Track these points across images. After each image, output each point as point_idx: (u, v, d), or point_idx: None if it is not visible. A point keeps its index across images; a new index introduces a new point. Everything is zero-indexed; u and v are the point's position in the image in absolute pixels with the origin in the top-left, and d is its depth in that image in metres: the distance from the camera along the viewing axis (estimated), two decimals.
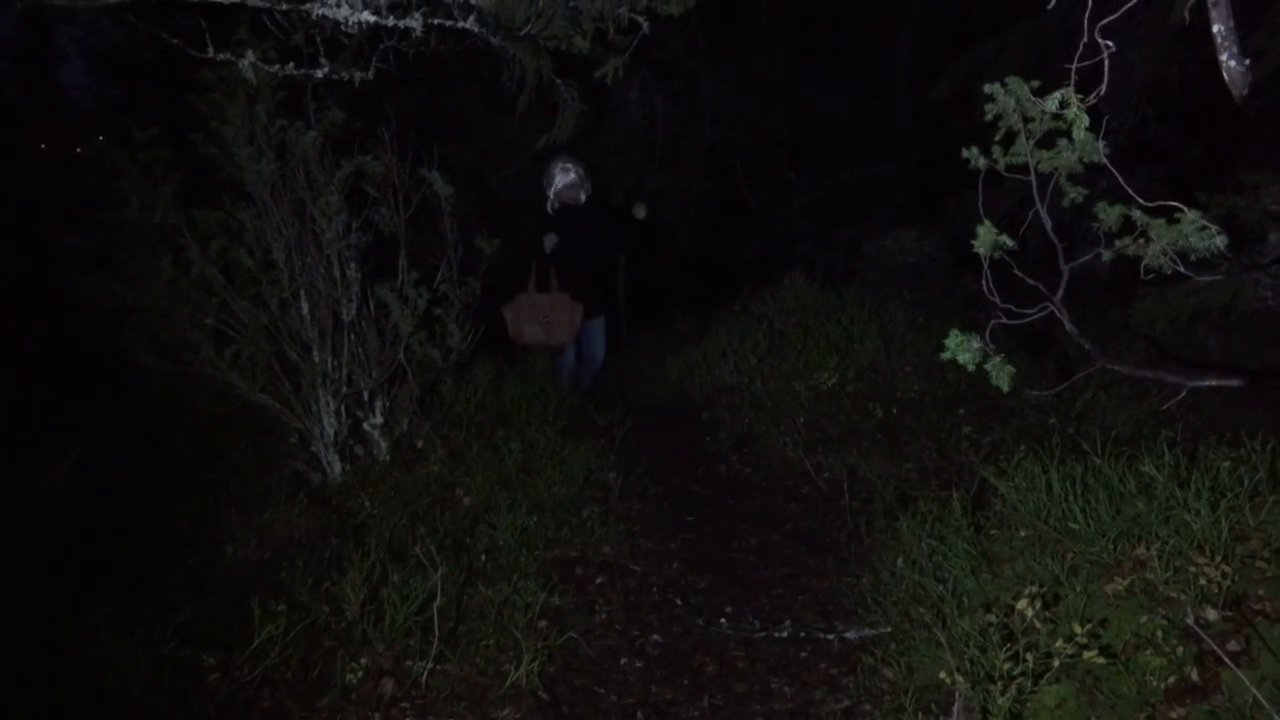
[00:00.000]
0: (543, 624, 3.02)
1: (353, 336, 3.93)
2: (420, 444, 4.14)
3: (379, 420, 4.05)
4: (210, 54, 2.65)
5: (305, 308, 3.82)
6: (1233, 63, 1.54)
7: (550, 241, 5.75)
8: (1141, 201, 1.88)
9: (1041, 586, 2.56)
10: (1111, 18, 1.60)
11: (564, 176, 5.75)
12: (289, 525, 3.45)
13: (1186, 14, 1.73)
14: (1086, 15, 1.58)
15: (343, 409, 3.96)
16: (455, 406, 4.41)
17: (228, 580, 3.17)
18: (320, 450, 3.94)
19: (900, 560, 3.14)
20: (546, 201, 5.82)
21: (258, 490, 3.68)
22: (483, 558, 3.42)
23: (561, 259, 5.76)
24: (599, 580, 3.46)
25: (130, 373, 3.76)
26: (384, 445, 4.06)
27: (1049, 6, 1.73)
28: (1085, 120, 1.82)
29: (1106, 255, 2.25)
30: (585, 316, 5.81)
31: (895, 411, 4.60)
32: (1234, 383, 2.03)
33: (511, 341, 5.73)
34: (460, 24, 2.98)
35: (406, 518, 3.63)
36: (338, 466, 3.95)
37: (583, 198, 5.82)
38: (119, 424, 3.77)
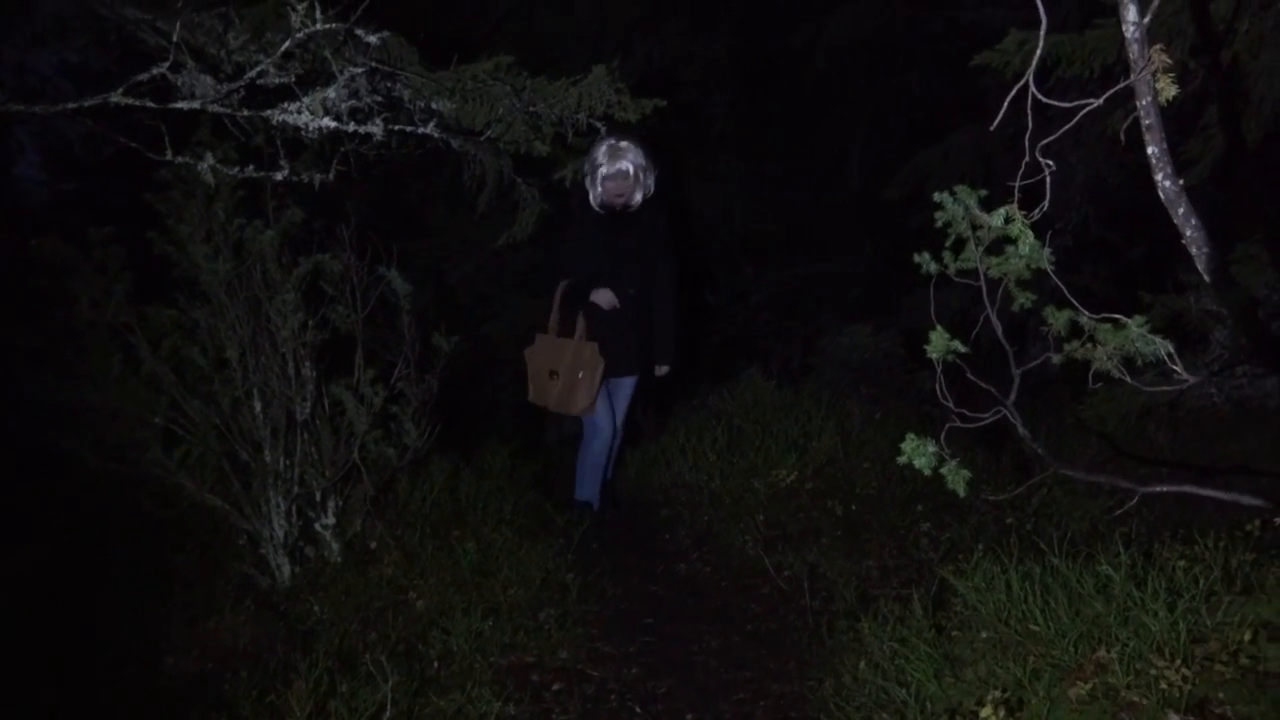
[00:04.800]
0: None
1: (306, 435, 3.87)
2: (373, 545, 4.05)
3: (331, 521, 3.97)
4: (169, 157, 2.66)
5: (258, 406, 3.77)
6: (1168, 183, 1.60)
7: (574, 267, 4.29)
8: (1085, 312, 1.93)
9: (1005, 691, 2.53)
10: (1050, 138, 1.67)
11: (612, 162, 4.02)
12: (234, 634, 3.33)
13: (1123, 135, 1.81)
14: (1028, 136, 1.65)
15: (294, 509, 3.88)
16: (410, 506, 4.34)
17: (167, 693, 3.04)
18: (269, 552, 3.83)
19: (862, 663, 3.09)
20: (589, 195, 4.23)
21: (202, 596, 3.56)
22: (435, 665, 3.32)
23: (599, 284, 4.29)
24: (556, 687, 3.36)
25: (72, 474, 3.66)
26: (336, 547, 3.96)
27: (990, 128, 1.80)
28: (1030, 236, 1.87)
29: (1057, 359, 2.29)
30: (608, 371, 4.34)
31: (854, 508, 4.60)
32: (1185, 489, 2.06)
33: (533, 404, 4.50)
34: (421, 130, 3.02)
35: (357, 623, 3.52)
36: (287, 569, 3.84)
37: (638, 198, 4.16)
38: (57, 528, 3.65)
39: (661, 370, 4.59)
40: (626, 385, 4.62)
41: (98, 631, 3.29)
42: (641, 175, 4.09)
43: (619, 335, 4.31)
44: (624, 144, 3.99)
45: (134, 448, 3.60)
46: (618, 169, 4.02)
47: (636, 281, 4.30)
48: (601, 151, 4.02)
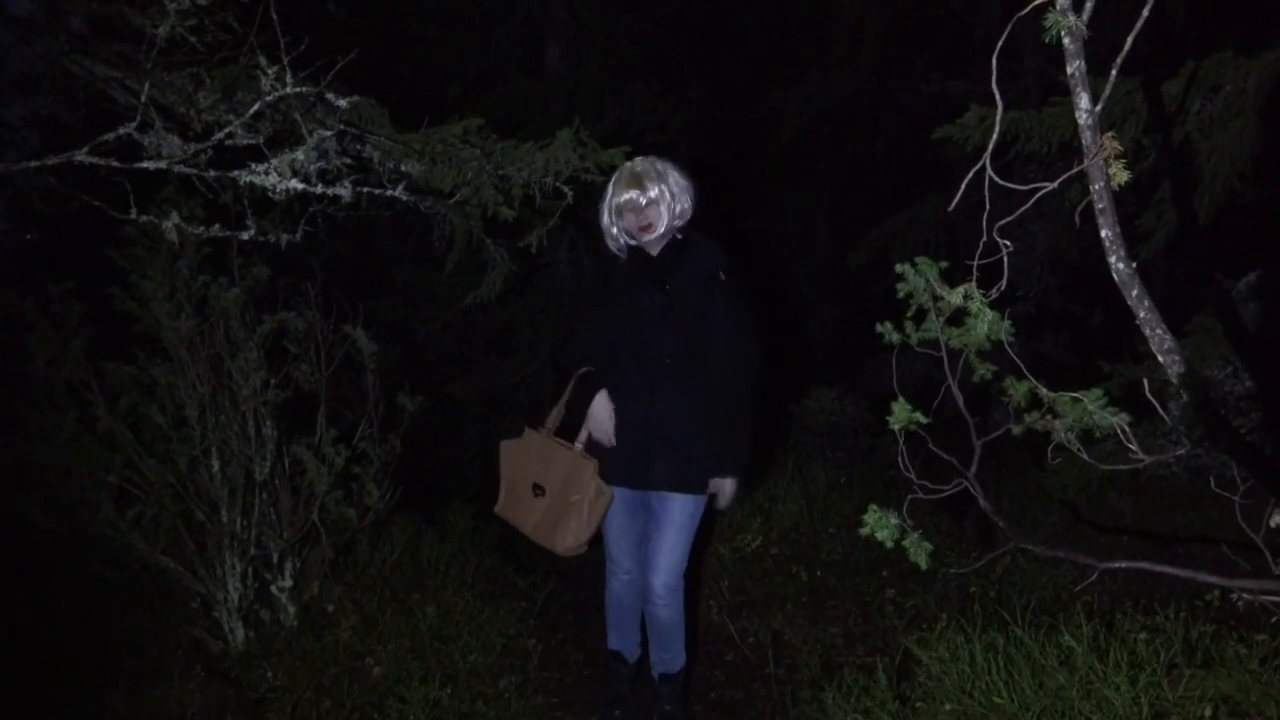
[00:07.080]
0: None
1: (265, 495, 3.80)
2: (331, 609, 3.96)
3: (288, 583, 3.88)
4: (134, 215, 2.64)
5: (216, 465, 3.70)
6: (1121, 265, 1.64)
7: (577, 347, 3.16)
8: (1042, 388, 1.95)
9: None
10: (1010, 218, 1.70)
11: (629, 186, 2.91)
12: (181, 702, 3.22)
13: (1078, 218, 1.85)
14: (985, 216, 1.69)
15: (249, 571, 3.79)
16: (370, 568, 4.26)
17: None
18: (222, 616, 3.73)
19: None
20: (607, 240, 3.08)
21: (150, 661, 3.46)
22: None
23: (619, 357, 3.05)
24: None
25: (16, 534, 3.56)
26: (292, 610, 3.87)
27: (950, 208, 1.83)
28: (988, 314, 1.90)
29: (1017, 430, 2.31)
30: (643, 482, 3.03)
31: (820, 574, 4.57)
32: (1142, 565, 2.07)
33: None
34: (390, 192, 3.03)
35: (311, 691, 3.43)
36: (240, 633, 3.74)
37: (661, 228, 2.94)
38: None
39: (722, 491, 3.05)
40: (665, 509, 3.05)
41: (37, 698, 3.17)
42: (670, 199, 2.92)
43: (640, 433, 3.00)
44: (644, 164, 2.95)
45: (85, 507, 3.51)
46: (633, 196, 2.90)
47: (671, 347, 2.97)
48: (618, 177, 2.99)
